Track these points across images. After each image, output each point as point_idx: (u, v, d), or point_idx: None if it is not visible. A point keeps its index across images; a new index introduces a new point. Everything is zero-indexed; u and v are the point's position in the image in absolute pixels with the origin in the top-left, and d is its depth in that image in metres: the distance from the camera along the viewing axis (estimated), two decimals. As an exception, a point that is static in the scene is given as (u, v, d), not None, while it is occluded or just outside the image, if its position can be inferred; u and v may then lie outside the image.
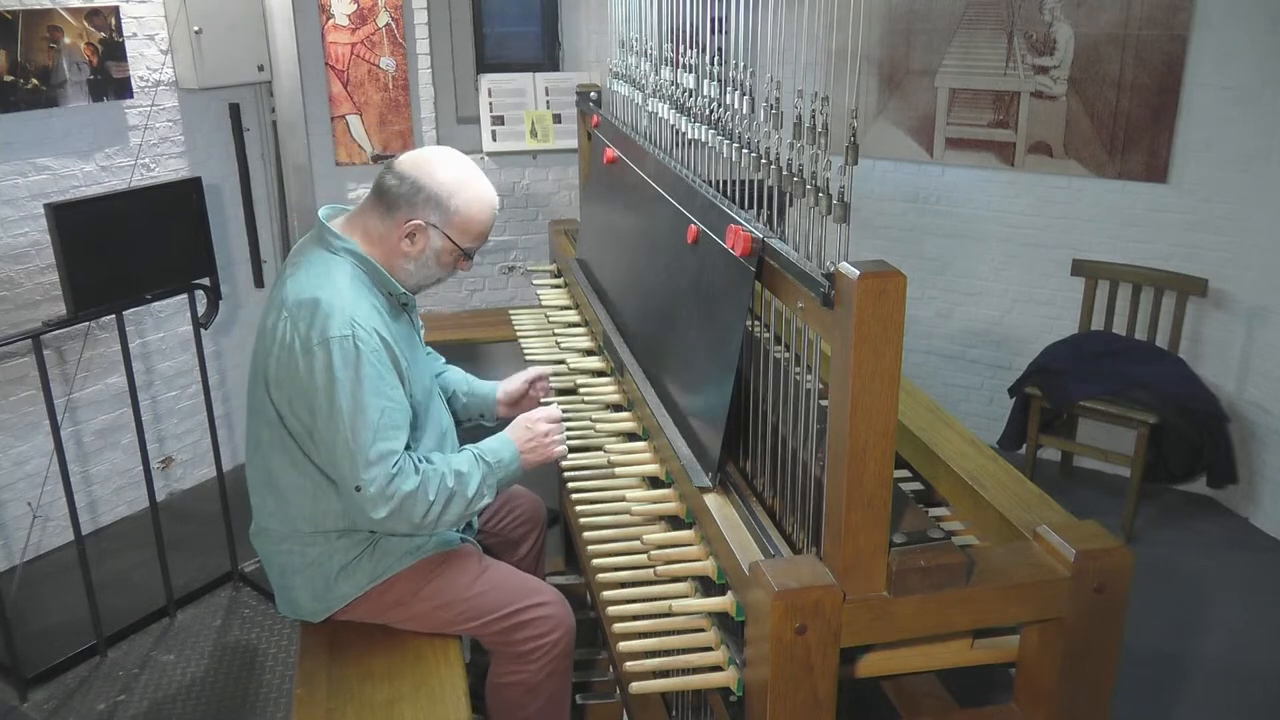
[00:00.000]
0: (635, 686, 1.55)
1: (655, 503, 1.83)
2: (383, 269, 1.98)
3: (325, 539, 2.00)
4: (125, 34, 3.43)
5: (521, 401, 2.36)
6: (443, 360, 2.46)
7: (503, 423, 2.20)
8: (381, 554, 2.03)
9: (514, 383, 2.37)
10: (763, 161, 1.68)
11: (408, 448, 1.92)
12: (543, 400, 2.34)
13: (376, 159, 4.14)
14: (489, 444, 2.06)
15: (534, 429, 2.08)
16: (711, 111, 1.94)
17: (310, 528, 1.99)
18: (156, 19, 3.57)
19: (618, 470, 1.96)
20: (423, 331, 2.25)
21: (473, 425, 2.42)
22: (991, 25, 3.98)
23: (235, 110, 3.88)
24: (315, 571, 2.02)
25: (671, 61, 2.20)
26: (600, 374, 2.38)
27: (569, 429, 2.17)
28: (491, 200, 2.02)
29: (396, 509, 1.87)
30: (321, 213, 2.05)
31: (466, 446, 2.07)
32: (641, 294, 2.28)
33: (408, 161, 1.99)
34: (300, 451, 1.94)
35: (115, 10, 3.37)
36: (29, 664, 2.93)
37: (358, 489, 1.85)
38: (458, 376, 2.42)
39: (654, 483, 1.92)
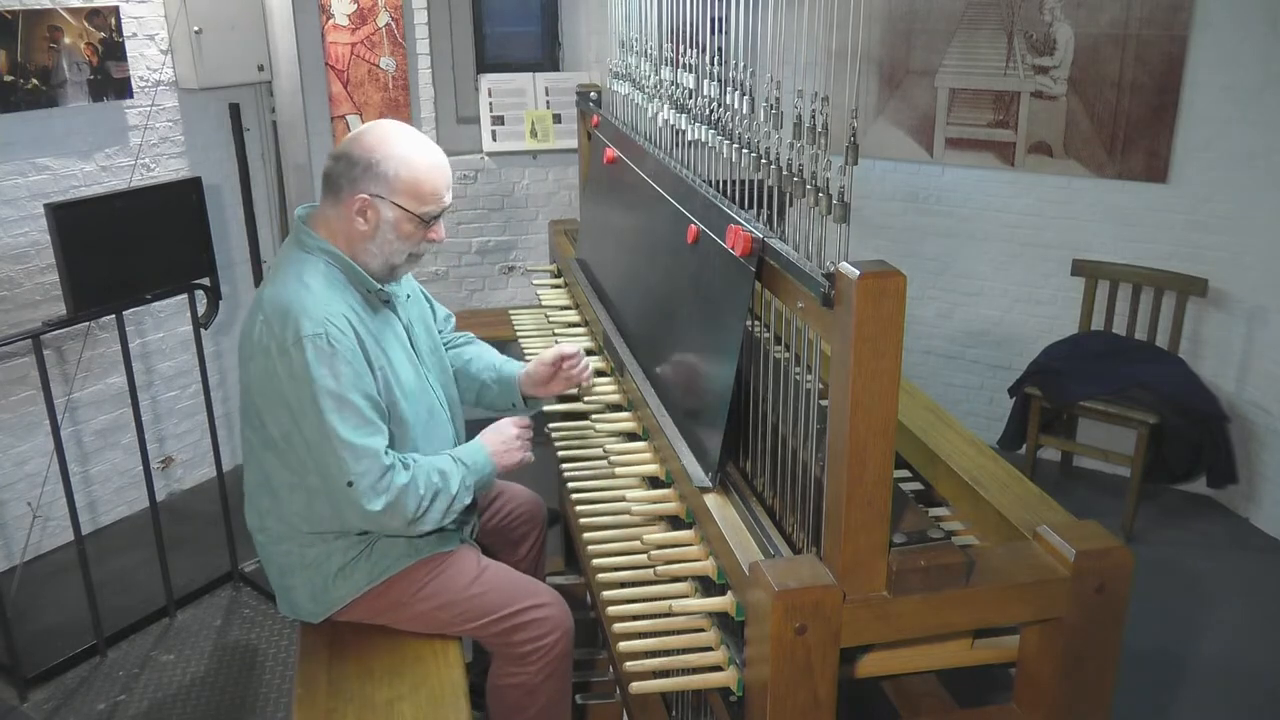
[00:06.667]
0: (635, 686, 1.55)
1: (655, 503, 1.83)
2: (355, 264, 1.95)
3: (323, 540, 2.00)
4: (125, 34, 3.43)
5: (552, 383, 2.23)
6: (468, 337, 2.38)
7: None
8: (379, 555, 2.02)
9: (539, 365, 2.22)
10: (763, 161, 1.68)
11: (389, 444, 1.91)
12: (582, 384, 2.25)
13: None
14: (464, 447, 2.07)
15: (503, 432, 2.09)
16: (711, 111, 1.94)
17: (308, 528, 1.99)
18: (156, 19, 3.57)
19: (618, 470, 1.96)
20: (444, 320, 2.30)
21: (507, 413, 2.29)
22: (991, 25, 3.98)
23: (235, 110, 3.88)
24: (314, 572, 2.02)
25: (671, 61, 2.20)
26: (600, 374, 2.38)
27: (569, 431, 2.16)
28: (430, 157, 1.93)
29: (392, 502, 1.86)
30: (298, 211, 2.03)
31: (444, 451, 2.05)
32: (641, 294, 2.28)
33: (343, 142, 1.97)
34: (289, 453, 1.93)
35: (115, 10, 3.37)
36: (29, 664, 2.93)
37: (350, 484, 1.84)
38: (485, 363, 2.31)
39: (654, 483, 1.92)
